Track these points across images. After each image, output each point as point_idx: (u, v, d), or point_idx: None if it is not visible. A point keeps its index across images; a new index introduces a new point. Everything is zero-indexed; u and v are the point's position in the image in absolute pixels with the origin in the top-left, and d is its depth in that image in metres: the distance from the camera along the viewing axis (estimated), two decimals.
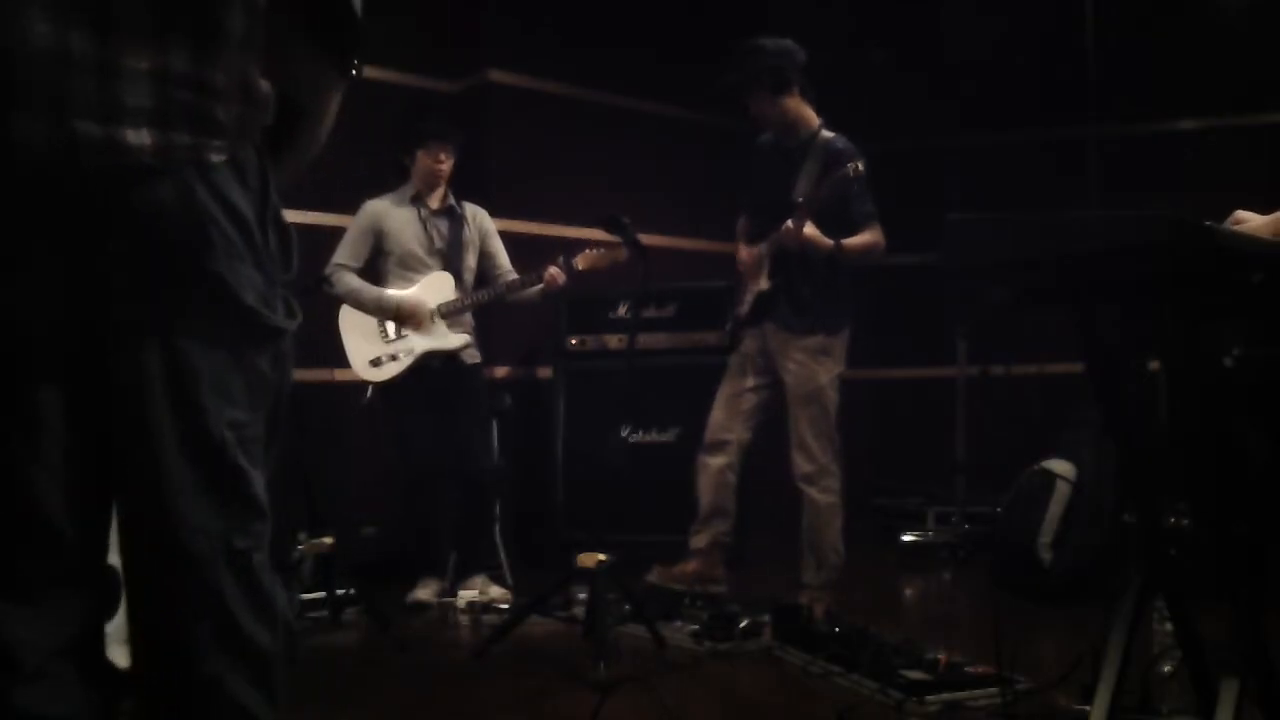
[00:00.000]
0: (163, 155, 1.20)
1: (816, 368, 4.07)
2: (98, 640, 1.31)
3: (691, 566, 4.22)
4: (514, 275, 4.55)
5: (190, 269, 1.23)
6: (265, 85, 1.31)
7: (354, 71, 1.42)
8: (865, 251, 4.08)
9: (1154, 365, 2.48)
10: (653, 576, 4.21)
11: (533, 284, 4.44)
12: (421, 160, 4.44)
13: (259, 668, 1.30)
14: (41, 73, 1.15)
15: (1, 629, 1.22)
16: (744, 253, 4.26)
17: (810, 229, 4.00)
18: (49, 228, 1.19)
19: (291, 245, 1.37)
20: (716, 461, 4.23)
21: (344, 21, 1.38)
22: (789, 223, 4.02)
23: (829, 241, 4.01)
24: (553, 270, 4.38)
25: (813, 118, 4.17)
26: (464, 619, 4.14)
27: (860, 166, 3.88)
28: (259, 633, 1.30)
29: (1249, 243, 1.73)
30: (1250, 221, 1.89)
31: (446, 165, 4.46)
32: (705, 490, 4.24)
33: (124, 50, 1.18)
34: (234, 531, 1.28)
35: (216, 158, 1.24)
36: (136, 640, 1.29)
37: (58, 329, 1.21)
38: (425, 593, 4.36)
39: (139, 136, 1.18)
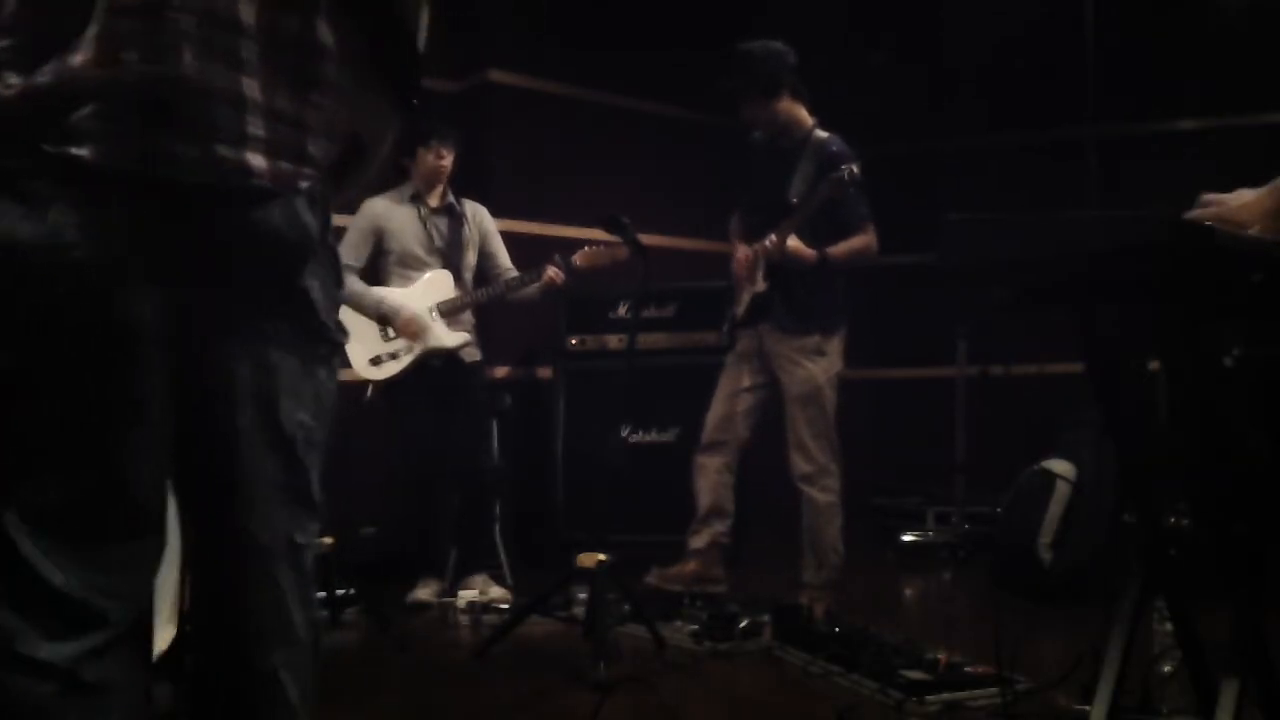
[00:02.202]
0: (275, 179, 1.33)
1: (813, 368, 4.07)
2: (149, 623, 1.38)
3: (690, 567, 4.22)
4: (514, 274, 4.55)
5: (288, 283, 1.37)
6: (342, 125, 1.43)
7: (411, 109, 1.52)
8: (855, 256, 4.09)
9: (1154, 365, 2.48)
10: (651, 578, 4.21)
11: (533, 282, 4.44)
12: (423, 158, 4.44)
13: (304, 663, 1.38)
14: (193, 100, 1.28)
15: (89, 598, 1.28)
16: (740, 253, 4.26)
17: (794, 242, 4.01)
18: (181, 238, 1.30)
19: (340, 266, 1.50)
20: (714, 461, 4.24)
21: (409, 64, 1.49)
22: (772, 236, 4.04)
23: (812, 253, 4.03)
24: (552, 269, 4.39)
25: (806, 118, 4.18)
26: (464, 619, 4.14)
27: (856, 170, 3.88)
28: (305, 627, 1.39)
29: (1249, 243, 1.73)
30: (1231, 201, 1.87)
31: (448, 162, 4.46)
32: (703, 490, 4.24)
33: (247, 86, 1.31)
34: (296, 527, 1.39)
35: (306, 184, 1.37)
36: (198, 629, 1.37)
37: (166, 326, 1.30)
38: (425, 593, 4.36)
39: (258, 161, 1.32)
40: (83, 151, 1.24)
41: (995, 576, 4.55)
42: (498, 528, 4.66)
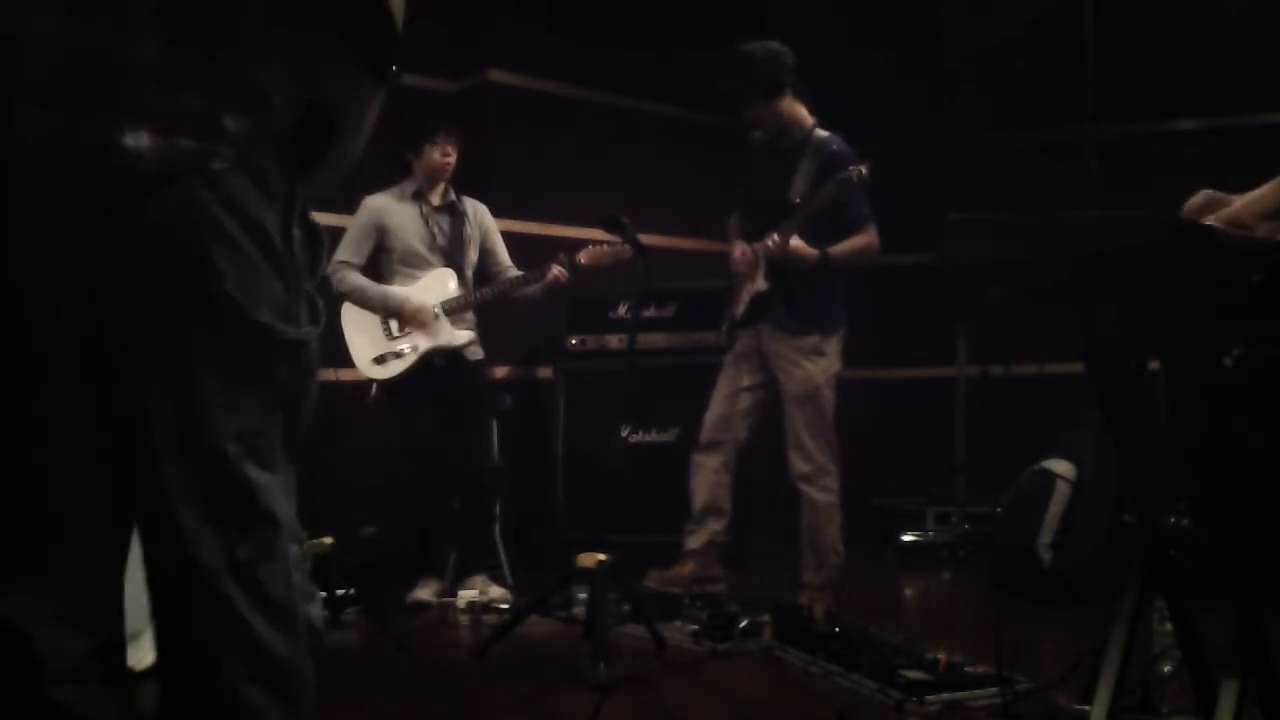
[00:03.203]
0: (163, 163, 1.14)
1: (812, 368, 4.08)
2: (122, 643, 1.32)
3: (688, 568, 4.22)
4: (515, 271, 4.55)
5: (197, 285, 1.18)
6: (283, 93, 1.24)
7: (391, 80, 1.36)
8: (857, 255, 4.10)
9: (1154, 365, 2.48)
10: (650, 582, 4.20)
11: (537, 281, 4.44)
12: (429, 154, 4.43)
13: (276, 674, 1.29)
14: (50, 66, 1.10)
15: (37, 630, 1.21)
16: (739, 253, 4.26)
17: (795, 242, 4.02)
18: (59, 228, 1.15)
19: (322, 249, 1.35)
20: (712, 461, 4.24)
21: (379, 27, 1.30)
22: (774, 236, 4.04)
23: (814, 252, 4.03)
24: (557, 268, 4.39)
25: (806, 117, 4.18)
26: (464, 619, 4.14)
27: (865, 171, 3.88)
28: (275, 640, 1.28)
29: (1249, 243, 1.73)
30: (1226, 209, 1.87)
31: (453, 159, 4.46)
32: (700, 489, 4.24)
33: (136, 47, 1.12)
34: (238, 542, 1.26)
35: (221, 165, 1.18)
36: (159, 647, 1.29)
37: (73, 334, 1.18)
38: (425, 593, 4.36)
39: (138, 139, 1.12)
40: None
41: (995, 576, 4.55)
42: (498, 528, 4.66)
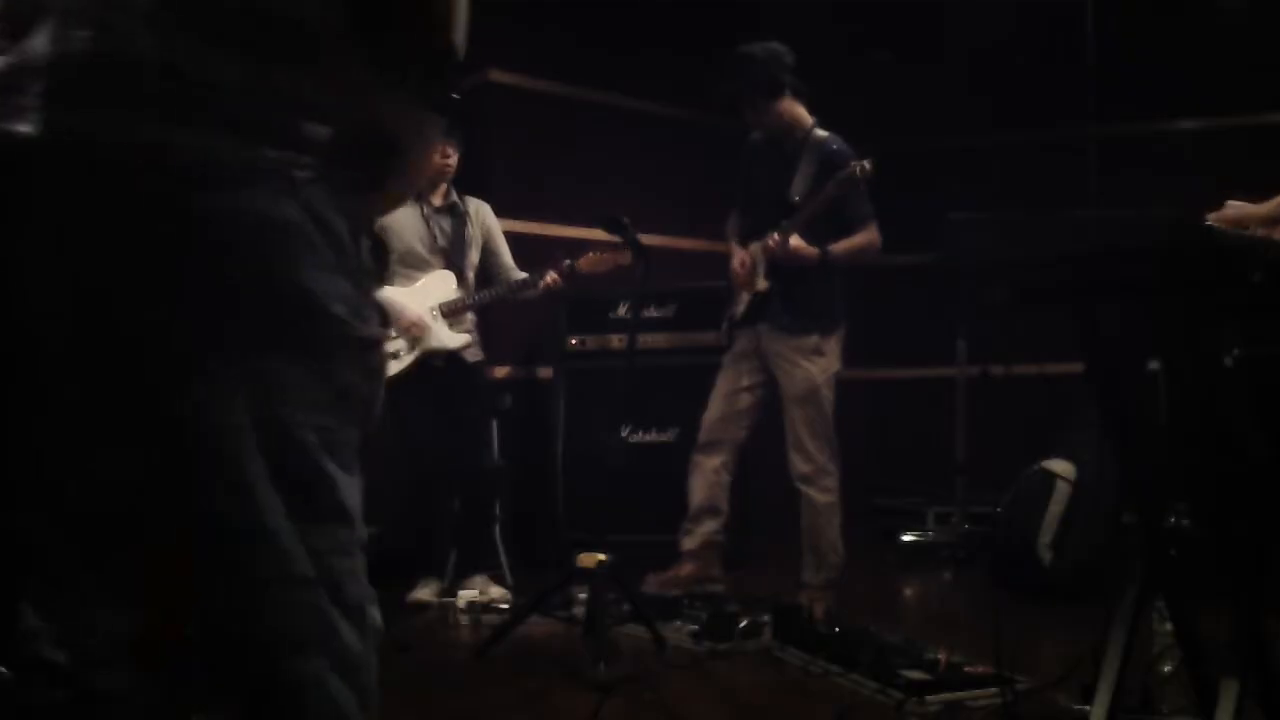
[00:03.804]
0: (249, 170, 1.19)
1: (812, 368, 4.08)
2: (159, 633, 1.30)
3: (686, 570, 4.22)
4: (518, 273, 4.55)
5: (277, 278, 1.21)
6: (355, 112, 1.29)
7: (450, 106, 1.40)
8: (858, 253, 4.09)
9: (1154, 365, 2.48)
10: (648, 586, 4.20)
11: (533, 286, 4.43)
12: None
13: (353, 670, 1.29)
14: (141, 77, 1.16)
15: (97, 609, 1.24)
16: (738, 262, 4.26)
17: (796, 241, 4.02)
18: (148, 230, 1.18)
19: (388, 259, 1.39)
20: (711, 461, 4.24)
21: (440, 53, 1.35)
22: (774, 235, 4.04)
23: (814, 251, 4.03)
24: (552, 275, 4.38)
25: (806, 117, 4.18)
26: (464, 619, 4.13)
27: (868, 165, 3.88)
28: (350, 636, 1.29)
29: (1249, 243, 1.73)
30: (1245, 209, 1.89)
31: (453, 161, 4.46)
32: (698, 488, 4.24)
33: (224, 64, 1.19)
34: (316, 536, 1.27)
35: (303, 174, 1.23)
36: (224, 642, 1.27)
37: (151, 325, 1.19)
38: (425, 593, 4.36)
39: (232, 147, 1.18)
40: (22, 127, 1.15)
41: (995, 576, 4.55)
42: (498, 528, 4.66)
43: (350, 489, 1.30)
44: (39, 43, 1.18)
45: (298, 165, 1.23)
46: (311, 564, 1.26)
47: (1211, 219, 1.86)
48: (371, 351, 1.32)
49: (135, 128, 1.16)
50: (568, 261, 4.37)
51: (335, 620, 1.28)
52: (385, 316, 1.32)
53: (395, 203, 1.48)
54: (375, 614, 1.34)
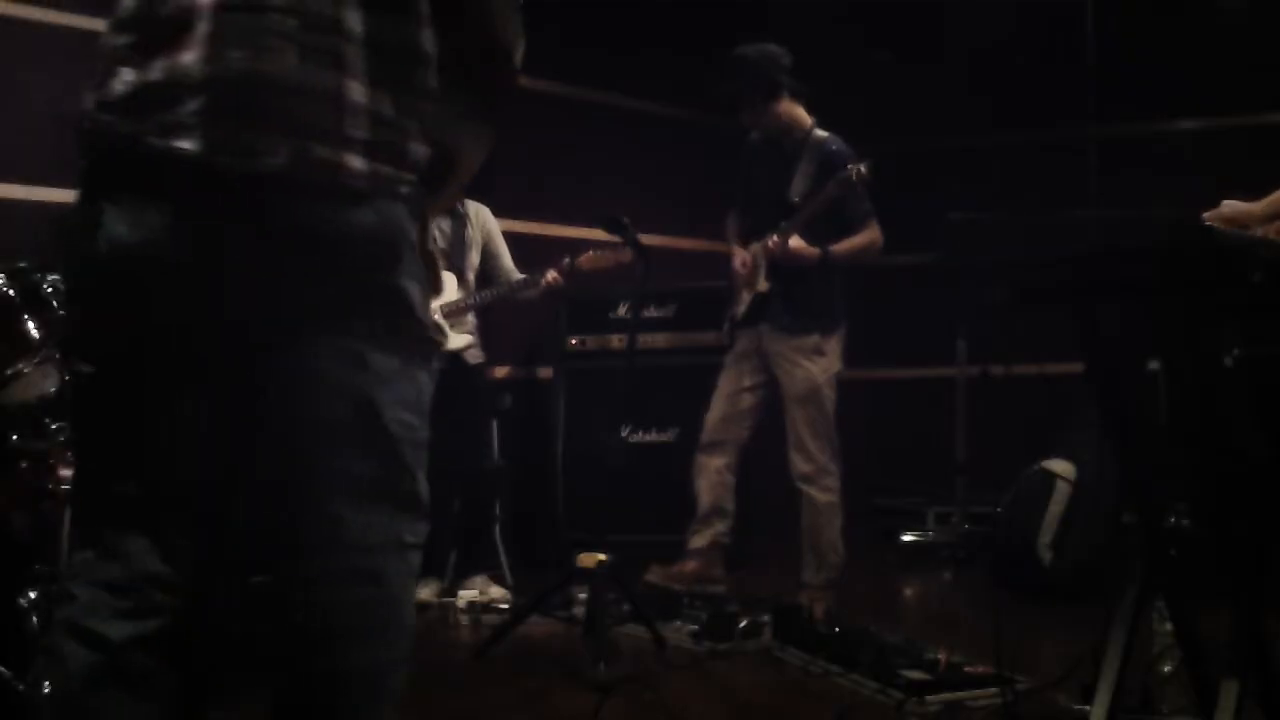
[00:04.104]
0: (372, 183, 1.34)
1: (812, 368, 4.08)
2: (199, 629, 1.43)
3: (690, 567, 4.22)
4: (517, 275, 4.55)
5: (383, 283, 1.37)
6: (439, 134, 1.45)
7: (500, 124, 1.57)
8: (859, 252, 4.09)
9: (1154, 365, 2.48)
10: (651, 576, 4.21)
11: (533, 286, 4.43)
12: None
13: (406, 655, 1.43)
14: (292, 98, 1.30)
15: (146, 588, 1.36)
16: (739, 262, 4.26)
17: (796, 242, 4.02)
18: (275, 234, 1.32)
19: (438, 271, 1.56)
20: (714, 462, 4.23)
21: (504, 80, 1.54)
22: (774, 237, 4.04)
23: (815, 251, 4.03)
24: (552, 274, 4.38)
25: (805, 118, 4.18)
26: (464, 619, 4.13)
27: (865, 169, 3.88)
28: (411, 619, 1.43)
29: (1249, 243, 1.73)
30: (1241, 208, 1.89)
31: None
32: (704, 490, 4.24)
33: (350, 88, 1.33)
34: (404, 528, 1.40)
35: (405, 190, 1.38)
36: (282, 627, 1.37)
37: (255, 323, 1.33)
38: (425, 593, 4.36)
39: (357, 162, 1.32)
40: (186, 145, 1.27)
41: (995, 576, 4.55)
42: (498, 528, 4.66)
43: (423, 483, 1.42)
44: (191, 60, 1.29)
45: (403, 182, 1.38)
46: (396, 548, 1.39)
47: (1208, 217, 1.86)
48: (433, 355, 1.47)
49: (283, 146, 1.29)
50: (568, 260, 4.37)
51: (404, 607, 1.42)
52: (442, 327, 1.52)
53: (442, 212, 1.58)
54: (414, 613, 1.46)
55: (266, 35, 1.29)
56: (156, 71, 1.30)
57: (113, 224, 1.32)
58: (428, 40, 1.40)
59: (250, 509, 1.40)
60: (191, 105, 1.28)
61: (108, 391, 1.37)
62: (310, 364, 1.33)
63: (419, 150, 1.40)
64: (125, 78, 1.32)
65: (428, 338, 1.43)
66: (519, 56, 1.52)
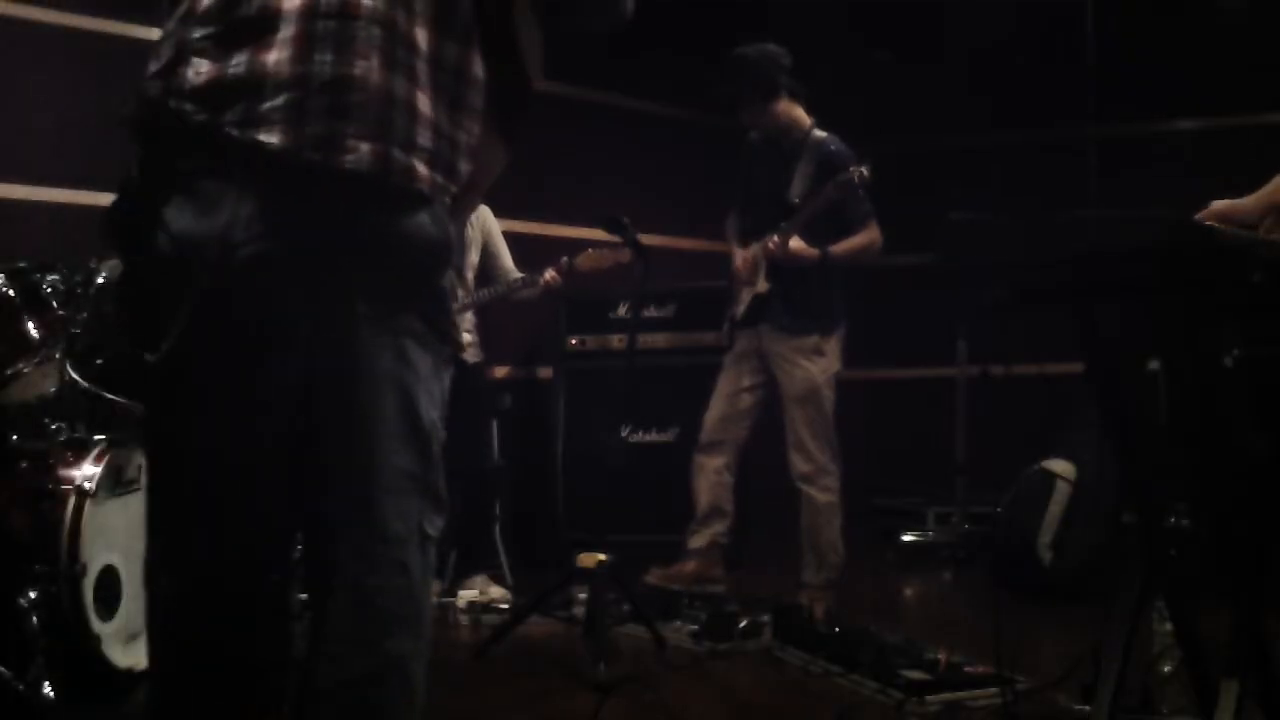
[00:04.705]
0: (432, 188, 1.41)
1: (812, 368, 4.08)
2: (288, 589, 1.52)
3: (690, 567, 4.22)
4: (516, 274, 4.55)
5: (429, 284, 1.45)
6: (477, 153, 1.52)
7: (517, 145, 1.66)
8: (859, 252, 4.10)
9: (1154, 365, 2.47)
10: (651, 578, 4.21)
11: (532, 285, 4.43)
12: None
13: (425, 656, 1.44)
14: (375, 102, 1.36)
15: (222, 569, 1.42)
16: (740, 261, 4.26)
17: (796, 243, 4.02)
18: (345, 230, 1.37)
19: (451, 281, 1.58)
20: (713, 462, 4.24)
21: (524, 103, 1.63)
22: (774, 238, 4.04)
23: (814, 252, 4.04)
24: (550, 273, 4.37)
25: (804, 118, 4.18)
26: (464, 619, 4.14)
27: (866, 172, 3.88)
28: (429, 611, 1.46)
29: (1249, 243, 1.73)
30: (1232, 204, 1.88)
31: None
32: (702, 490, 4.24)
33: (420, 100, 1.40)
34: (427, 519, 1.45)
35: (449, 200, 1.46)
36: (321, 616, 1.41)
37: (314, 315, 1.37)
38: None
39: (423, 169, 1.39)
40: (270, 138, 1.31)
41: (995, 576, 4.55)
42: (498, 528, 4.66)
43: (444, 483, 1.49)
44: (278, 59, 1.34)
45: (450, 193, 1.46)
46: (419, 539, 1.44)
47: (1200, 217, 1.86)
48: (454, 357, 1.55)
49: (366, 146, 1.34)
50: (566, 260, 4.37)
51: (421, 602, 1.45)
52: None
53: (461, 224, 1.66)
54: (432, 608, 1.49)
55: (353, 41, 1.35)
56: (239, 66, 1.33)
57: (178, 211, 1.34)
58: (478, 65, 1.48)
59: (304, 497, 1.43)
60: (277, 101, 1.31)
61: (171, 378, 1.40)
62: (365, 357, 1.38)
63: (465, 165, 1.47)
64: (200, 69, 1.33)
65: (456, 341, 1.51)
66: (538, 80, 1.64)
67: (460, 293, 4.44)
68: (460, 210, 1.57)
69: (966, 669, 3.07)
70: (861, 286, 4.39)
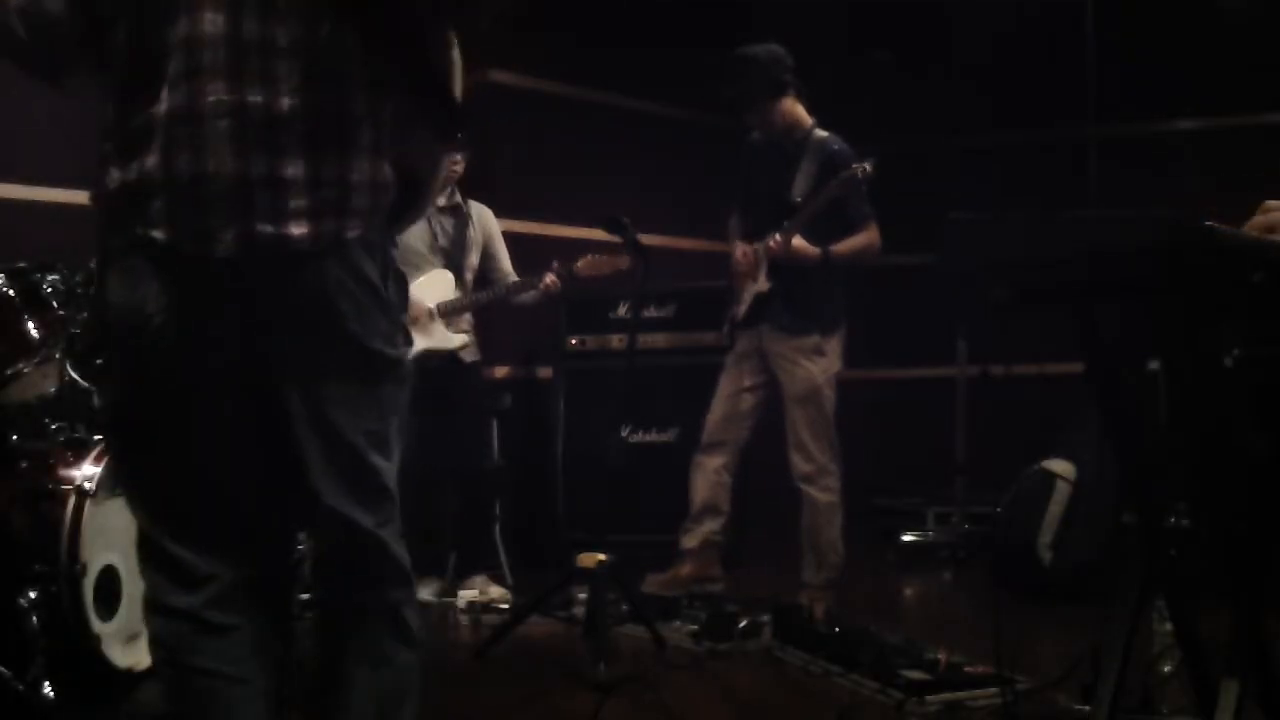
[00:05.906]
0: (315, 241, 1.59)
1: (812, 368, 4.08)
2: (283, 586, 1.83)
3: (686, 570, 4.22)
4: (514, 278, 4.54)
5: (330, 327, 1.63)
6: (389, 173, 1.68)
7: (460, 144, 1.85)
8: (859, 253, 4.10)
9: (1154, 365, 2.47)
10: (648, 587, 4.20)
11: (532, 287, 4.43)
12: None
13: (415, 605, 1.81)
14: (232, 189, 1.56)
15: (199, 563, 1.69)
16: (740, 253, 4.26)
17: (798, 241, 4.02)
18: (236, 297, 1.61)
19: (407, 290, 1.80)
20: (713, 461, 4.24)
21: (449, 110, 1.77)
22: (776, 236, 4.04)
23: (816, 251, 4.04)
24: (550, 277, 4.37)
25: (806, 117, 4.19)
26: (464, 619, 4.14)
27: (869, 168, 3.89)
28: (401, 576, 1.79)
29: (1249, 243, 1.73)
30: None
31: (460, 167, 4.45)
32: (700, 488, 4.24)
33: (287, 167, 1.58)
34: (370, 511, 1.71)
35: (353, 234, 1.62)
36: (329, 576, 1.78)
37: (234, 369, 1.64)
38: (425, 593, 4.35)
39: (300, 229, 1.58)
40: (158, 234, 1.57)
41: (995, 576, 4.55)
42: (498, 528, 4.66)
43: (391, 474, 1.75)
44: (152, 165, 1.58)
45: (347, 229, 1.62)
46: (376, 529, 1.73)
47: (1249, 227, 1.84)
48: (401, 366, 1.76)
49: (229, 231, 1.57)
50: (564, 264, 4.37)
51: (401, 564, 1.78)
52: (408, 335, 1.88)
53: (411, 224, 1.91)
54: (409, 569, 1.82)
55: (205, 140, 1.55)
56: (132, 173, 1.58)
57: (114, 288, 1.62)
58: (360, 103, 1.63)
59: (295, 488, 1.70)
60: (158, 202, 1.56)
61: (151, 415, 1.68)
62: (284, 398, 1.64)
63: (364, 198, 1.63)
64: (114, 175, 1.60)
65: (387, 357, 1.70)
66: (459, 90, 1.79)
67: (459, 292, 4.44)
68: (406, 220, 1.79)
69: (966, 669, 3.07)
70: (861, 286, 4.39)
